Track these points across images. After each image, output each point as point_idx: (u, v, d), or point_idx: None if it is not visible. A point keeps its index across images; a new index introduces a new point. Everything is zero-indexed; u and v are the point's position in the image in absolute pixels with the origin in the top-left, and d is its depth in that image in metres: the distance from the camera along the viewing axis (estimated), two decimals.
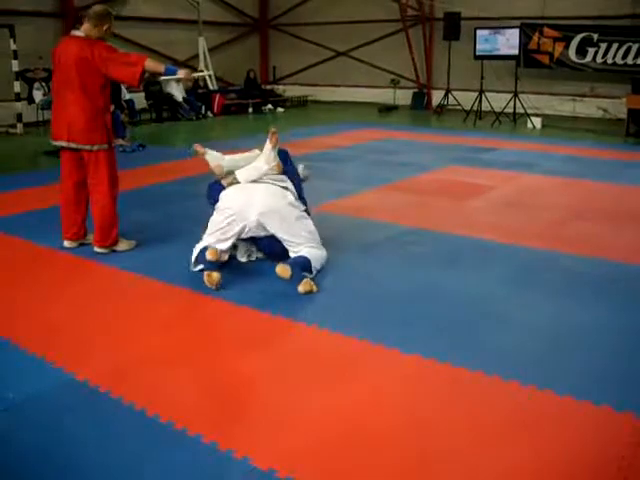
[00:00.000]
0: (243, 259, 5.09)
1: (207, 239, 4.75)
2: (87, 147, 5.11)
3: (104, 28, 5.06)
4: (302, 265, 4.57)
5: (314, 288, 4.43)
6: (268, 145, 4.76)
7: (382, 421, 2.95)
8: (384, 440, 2.81)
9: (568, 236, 5.81)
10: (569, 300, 4.35)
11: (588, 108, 15.49)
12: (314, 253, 4.73)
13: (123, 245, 5.41)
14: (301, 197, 5.04)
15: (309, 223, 4.89)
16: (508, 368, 3.39)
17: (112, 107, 10.80)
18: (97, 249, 5.32)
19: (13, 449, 2.76)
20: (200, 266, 4.63)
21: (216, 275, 4.49)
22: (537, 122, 14.01)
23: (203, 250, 4.61)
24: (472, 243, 5.60)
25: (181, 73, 5.26)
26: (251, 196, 4.69)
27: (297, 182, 5.08)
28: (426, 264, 5.07)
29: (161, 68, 5.10)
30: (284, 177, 4.95)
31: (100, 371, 3.39)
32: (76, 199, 5.35)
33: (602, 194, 7.56)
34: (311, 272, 4.62)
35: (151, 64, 5.01)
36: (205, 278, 4.48)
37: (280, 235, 4.71)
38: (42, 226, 5.92)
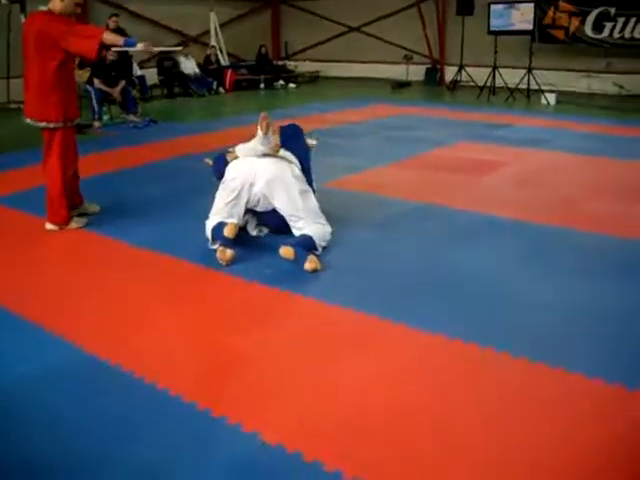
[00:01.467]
0: (254, 232, 5.07)
1: (215, 216, 4.73)
2: (42, 124, 5.09)
3: (66, 1, 4.94)
4: (306, 244, 4.54)
5: (319, 266, 4.38)
6: (258, 131, 4.68)
7: (393, 397, 2.94)
8: (395, 416, 2.79)
9: (584, 213, 5.73)
10: (584, 278, 4.29)
11: (604, 84, 15.26)
12: (318, 230, 4.70)
13: (73, 224, 5.34)
14: (308, 176, 4.98)
15: (313, 199, 4.85)
16: (519, 345, 3.36)
17: (123, 83, 10.94)
18: (47, 225, 5.30)
19: (19, 420, 2.77)
20: (218, 244, 4.58)
21: (230, 252, 4.46)
22: (551, 98, 13.83)
23: (219, 226, 4.58)
24: (486, 220, 5.53)
25: (140, 46, 5.16)
26: (255, 167, 4.68)
27: (305, 159, 5.03)
28: (440, 241, 5.02)
29: (120, 41, 5.07)
30: (289, 154, 4.92)
31: (107, 344, 3.39)
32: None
33: (619, 171, 7.45)
34: (316, 249, 4.59)
35: (109, 37, 5.00)
36: (218, 254, 4.46)
37: (283, 207, 4.68)
38: None
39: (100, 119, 10.81)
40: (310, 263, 4.35)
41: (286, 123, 5.28)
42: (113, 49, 5.03)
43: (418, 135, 9.76)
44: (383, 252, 4.80)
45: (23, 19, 12.31)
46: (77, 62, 13.02)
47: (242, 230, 4.93)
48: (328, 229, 4.80)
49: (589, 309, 3.82)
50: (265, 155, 4.75)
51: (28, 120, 5.15)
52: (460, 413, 2.81)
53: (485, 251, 4.78)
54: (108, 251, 4.90)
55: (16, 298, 4.00)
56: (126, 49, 5.32)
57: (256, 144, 4.73)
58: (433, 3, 17.68)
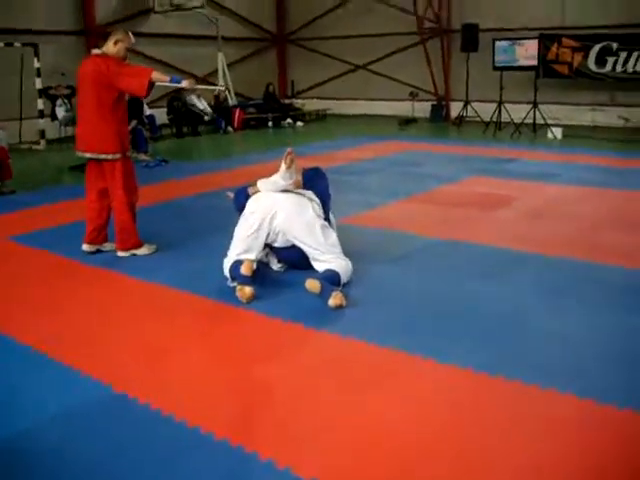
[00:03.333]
0: (276, 267, 5.12)
1: (234, 250, 4.78)
2: (102, 156, 5.46)
3: (119, 46, 5.48)
4: (331, 279, 4.56)
5: (344, 302, 4.39)
6: (282, 165, 4.76)
7: (419, 431, 2.95)
8: (421, 451, 2.80)
9: (599, 246, 5.76)
10: (602, 310, 4.32)
11: (609, 117, 15.41)
12: (342, 266, 4.73)
13: (143, 249, 5.70)
14: (327, 216, 5.03)
15: (334, 235, 4.89)
16: (546, 377, 3.37)
17: (134, 122, 11.08)
18: (119, 253, 5.66)
19: (55, 459, 2.79)
20: (236, 282, 4.61)
21: (249, 289, 4.49)
22: (558, 132, 13.95)
23: (236, 265, 4.62)
24: (502, 253, 5.58)
25: (185, 83, 5.62)
26: (276, 201, 4.74)
27: (325, 201, 5.08)
28: (457, 275, 5.05)
29: (166, 78, 5.51)
30: (310, 192, 4.98)
31: (134, 382, 3.42)
32: (98, 206, 5.67)
33: (629, 203, 7.52)
34: (339, 285, 4.62)
35: (157, 75, 5.39)
36: (238, 293, 4.50)
37: (304, 242, 4.72)
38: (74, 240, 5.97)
39: None
40: (335, 299, 4.34)
41: (311, 165, 5.36)
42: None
43: (427, 171, 9.85)
44: (403, 287, 4.83)
45: (37, 63, 12.58)
46: None
47: (263, 265, 4.97)
48: (350, 266, 4.83)
49: (612, 340, 3.84)
50: (286, 191, 4.82)
51: (87, 154, 5.53)
52: (485, 449, 2.82)
53: (503, 285, 4.82)
54: (129, 289, 4.96)
55: (42, 337, 4.03)
56: (173, 85, 5.71)
57: (278, 178, 4.79)
58: (438, 40, 17.92)
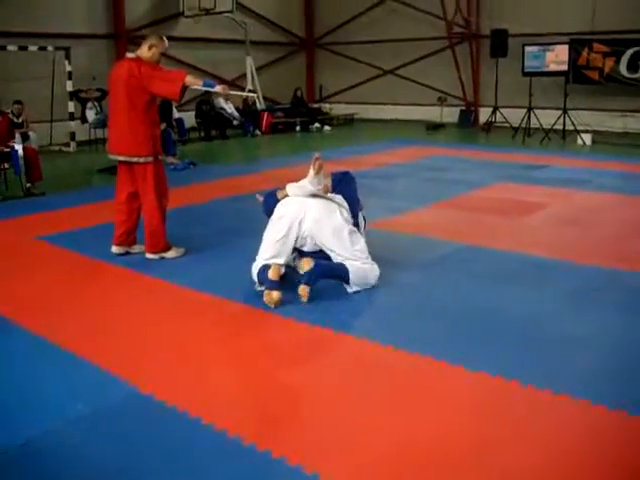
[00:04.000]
0: (303, 272, 5.10)
1: (263, 255, 4.77)
2: (134, 159, 5.48)
3: (153, 50, 5.49)
4: (332, 270, 4.67)
5: (305, 297, 4.50)
6: (311, 170, 4.75)
7: (448, 438, 2.92)
8: (449, 459, 2.78)
9: (628, 253, 5.69)
10: (632, 318, 4.26)
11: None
12: (360, 268, 4.72)
13: (172, 252, 5.71)
14: (356, 221, 5.02)
15: (362, 241, 4.88)
16: (576, 386, 3.33)
17: (164, 125, 11.15)
18: (148, 255, 5.67)
19: (82, 459, 2.80)
20: (264, 286, 4.62)
21: (276, 294, 4.49)
22: (587, 139, 13.81)
23: (264, 269, 4.62)
24: (530, 261, 5.52)
25: (218, 88, 5.59)
26: (305, 205, 4.74)
27: (353, 204, 5.06)
28: (485, 282, 5.02)
29: (200, 82, 5.44)
30: (339, 197, 4.97)
31: (162, 384, 3.43)
32: (128, 209, 5.70)
33: None
34: (346, 282, 4.70)
35: (191, 79, 5.35)
36: (265, 298, 4.51)
37: (331, 248, 4.72)
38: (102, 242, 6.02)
39: None
40: (302, 290, 4.50)
41: (339, 169, 5.34)
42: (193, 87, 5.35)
43: (455, 177, 9.80)
44: (431, 293, 4.81)
45: (68, 66, 12.73)
46: None
47: (292, 270, 4.97)
48: (376, 271, 4.82)
49: None
50: (314, 195, 4.81)
51: (120, 157, 5.55)
52: (519, 458, 2.79)
53: (532, 292, 4.77)
54: (158, 292, 4.97)
55: (70, 336, 4.06)
56: (206, 89, 5.65)
57: (306, 183, 4.79)
58: (467, 45, 17.84)
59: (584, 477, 2.64)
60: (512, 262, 5.51)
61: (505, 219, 7.04)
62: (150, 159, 5.47)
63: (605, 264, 5.37)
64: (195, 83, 5.39)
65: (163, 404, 3.22)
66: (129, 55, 5.58)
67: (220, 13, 15.95)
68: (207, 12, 15.96)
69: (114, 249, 5.75)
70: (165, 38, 5.66)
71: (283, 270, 4.71)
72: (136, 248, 5.81)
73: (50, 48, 12.97)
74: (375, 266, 4.84)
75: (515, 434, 2.96)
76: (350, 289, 4.71)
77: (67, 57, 12.94)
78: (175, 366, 3.68)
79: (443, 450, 2.83)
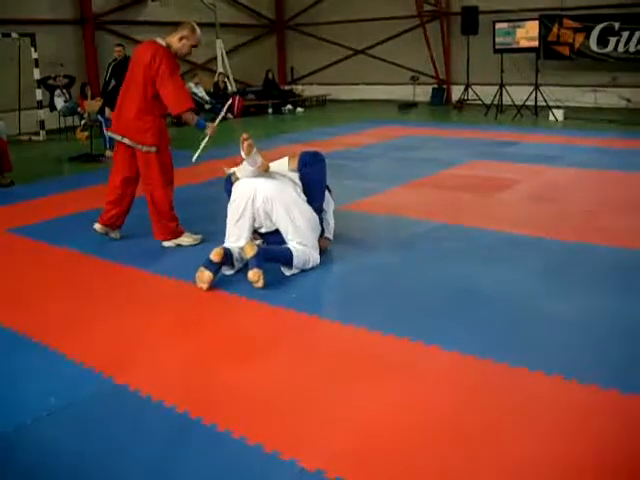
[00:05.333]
0: None
1: (228, 238, 4.80)
2: (138, 147, 5.37)
3: (184, 42, 5.39)
4: (278, 255, 4.67)
5: (261, 283, 4.44)
6: (242, 153, 4.72)
7: (425, 419, 2.92)
8: (429, 438, 2.78)
9: (600, 228, 5.73)
10: (606, 292, 4.28)
11: (610, 98, 15.33)
12: (304, 252, 4.74)
13: (188, 239, 5.65)
14: (320, 204, 5.00)
15: (312, 222, 4.86)
16: (551, 363, 3.34)
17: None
18: (164, 243, 5.61)
19: (55, 453, 2.77)
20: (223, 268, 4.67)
21: (208, 275, 4.51)
22: (559, 114, 13.88)
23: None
24: (503, 237, 5.55)
25: (209, 130, 5.46)
26: (255, 185, 4.72)
27: (316, 190, 5.04)
28: (459, 260, 5.02)
29: (192, 122, 5.39)
30: (293, 174, 4.96)
31: (139, 375, 3.40)
32: (121, 192, 5.61)
33: (631, 184, 7.47)
34: (289, 266, 4.70)
35: (189, 116, 5.33)
36: (197, 275, 4.53)
37: (282, 224, 4.72)
38: (74, 232, 5.93)
39: (112, 148, 10.89)
40: (254, 274, 4.43)
41: (308, 149, 5.30)
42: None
43: (428, 155, 9.80)
44: (405, 273, 4.80)
45: (34, 53, 12.52)
46: (90, 93, 13.22)
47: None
48: (315, 257, 4.84)
49: (615, 322, 3.81)
50: (265, 175, 4.79)
51: (126, 140, 5.39)
52: (495, 437, 2.80)
53: (506, 269, 4.78)
54: (128, 279, 4.92)
55: (43, 328, 4.01)
56: (197, 127, 5.47)
57: (245, 165, 4.78)
58: (438, 23, 17.81)
59: (566, 456, 2.66)
60: (485, 239, 5.52)
61: (478, 197, 7.06)
62: (153, 149, 5.34)
63: (579, 239, 5.40)
64: (189, 120, 5.38)
65: (138, 394, 3.19)
66: (159, 40, 5.38)
67: None
68: None
69: (97, 227, 5.67)
70: (198, 29, 5.50)
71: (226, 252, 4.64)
72: (116, 234, 5.76)
73: (14, 35, 12.73)
74: (317, 254, 4.87)
75: (491, 409, 2.97)
76: (288, 272, 4.72)
77: (33, 44, 12.71)
78: (151, 355, 3.65)
79: (418, 430, 2.84)
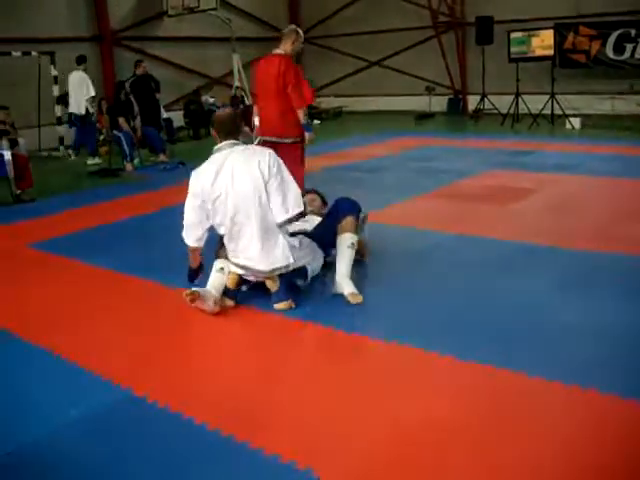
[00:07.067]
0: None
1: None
2: (285, 140, 6.38)
3: (295, 45, 6.47)
4: (292, 279, 4.50)
5: (289, 308, 4.35)
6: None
7: (436, 428, 2.93)
8: (438, 449, 2.78)
9: (618, 237, 5.69)
10: (625, 301, 4.25)
11: (628, 105, 15.21)
12: (313, 267, 4.65)
13: None
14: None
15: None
16: (569, 373, 3.33)
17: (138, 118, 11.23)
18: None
19: (76, 463, 2.80)
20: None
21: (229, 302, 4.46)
22: (576, 122, 13.81)
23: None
24: (522, 248, 5.52)
25: (312, 135, 6.60)
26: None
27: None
28: (477, 271, 5.00)
29: (303, 119, 6.43)
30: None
31: (158, 386, 3.43)
32: None
33: None
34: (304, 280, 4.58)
35: (304, 112, 6.44)
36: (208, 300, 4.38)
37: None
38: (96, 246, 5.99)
39: (132, 161, 11.04)
40: (284, 305, 4.35)
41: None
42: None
43: (444, 166, 9.80)
44: (421, 284, 4.79)
45: (54, 70, 12.67)
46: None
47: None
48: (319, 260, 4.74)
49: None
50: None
51: (266, 138, 6.42)
52: (517, 448, 2.80)
53: (523, 279, 4.76)
54: (154, 295, 4.96)
55: (65, 343, 4.05)
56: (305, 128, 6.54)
57: None
58: (453, 34, 17.83)
59: (577, 465, 2.65)
60: (503, 250, 5.51)
61: (496, 207, 7.05)
62: (299, 139, 6.42)
63: (596, 248, 5.37)
64: (301, 117, 6.39)
65: (156, 405, 3.22)
66: (276, 51, 6.44)
67: (204, 11, 15.88)
68: (191, 10, 15.89)
69: None
70: (299, 29, 6.60)
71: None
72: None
73: (34, 53, 12.90)
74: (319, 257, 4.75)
75: (505, 420, 2.97)
76: (300, 282, 4.58)
77: (52, 62, 12.88)
78: (168, 367, 3.68)
79: (431, 441, 2.84)
